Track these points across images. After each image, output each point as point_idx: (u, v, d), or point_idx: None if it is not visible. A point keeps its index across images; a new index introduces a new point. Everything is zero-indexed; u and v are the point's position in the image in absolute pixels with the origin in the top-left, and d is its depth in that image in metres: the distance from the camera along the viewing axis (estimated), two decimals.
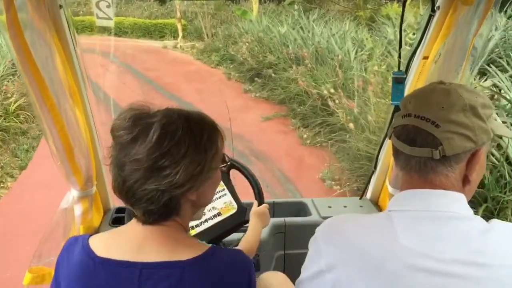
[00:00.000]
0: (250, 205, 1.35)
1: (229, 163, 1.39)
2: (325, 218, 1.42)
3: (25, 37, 1.03)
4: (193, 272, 0.76)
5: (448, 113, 0.75)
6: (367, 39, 6.46)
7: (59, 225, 1.34)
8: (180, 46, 13.43)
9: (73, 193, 1.34)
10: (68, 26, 1.19)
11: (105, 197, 1.53)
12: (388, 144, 1.61)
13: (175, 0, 13.85)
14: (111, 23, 1.24)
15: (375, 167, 1.73)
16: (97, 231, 1.49)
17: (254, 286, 0.83)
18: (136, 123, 0.76)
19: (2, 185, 4.15)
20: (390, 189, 1.58)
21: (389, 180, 1.60)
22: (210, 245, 0.82)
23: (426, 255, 0.71)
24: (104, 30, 15.00)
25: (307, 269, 0.82)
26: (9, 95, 6.04)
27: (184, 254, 0.77)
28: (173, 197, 0.77)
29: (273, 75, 6.86)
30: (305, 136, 5.15)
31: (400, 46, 1.44)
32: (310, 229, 0.84)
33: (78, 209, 1.36)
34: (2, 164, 4.58)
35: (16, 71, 6.24)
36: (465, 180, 0.79)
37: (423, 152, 0.76)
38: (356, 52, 5.98)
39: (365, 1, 9.81)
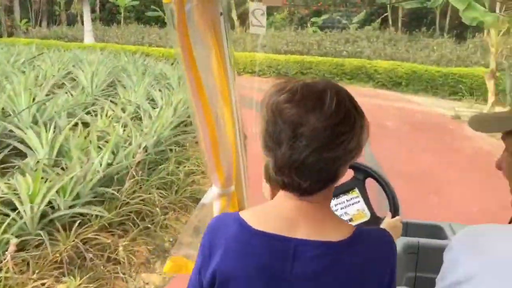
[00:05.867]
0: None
1: (365, 171, 1.75)
2: None
3: (189, 36, 1.61)
4: (344, 254, 1.04)
5: None
6: None
7: (200, 219, 1.85)
8: None
9: (214, 189, 1.85)
10: (225, 30, 1.75)
11: (241, 198, 1.97)
12: None
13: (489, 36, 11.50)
14: (263, 31, 1.73)
15: None
16: None
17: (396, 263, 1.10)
18: (308, 94, 1.03)
19: None
20: None
21: None
22: (354, 226, 1.10)
23: None
24: (370, 80, 15.24)
25: (442, 280, 1.02)
26: None
27: (335, 235, 1.05)
28: (342, 164, 1.05)
29: None
30: None
31: None
32: None
33: (216, 206, 1.85)
34: None
35: None
36: None
37: None
38: None
39: None
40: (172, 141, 6.90)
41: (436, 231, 2.23)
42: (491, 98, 11.24)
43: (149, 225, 4.80)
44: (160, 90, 9.41)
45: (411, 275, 2.14)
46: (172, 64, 13.32)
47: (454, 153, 8.16)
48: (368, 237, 1.08)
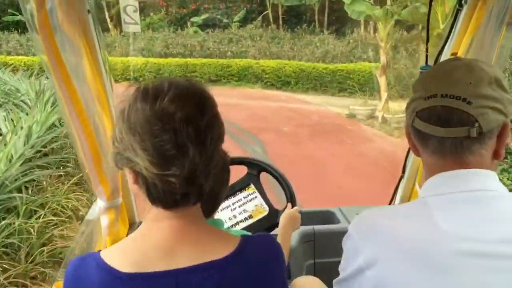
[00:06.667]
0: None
1: (258, 165, 1.83)
2: None
3: (55, 39, 1.52)
4: (230, 271, 1.00)
5: (477, 88, 0.98)
6: None
7: (86, 237, 1.77)
8: (383, 116, 10.62)
9: (100, 203, 1.79)
10: (96, 31, 1.69)
11: (130, 209, 1.94)
12: None
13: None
14: (137, 28, 1.71)
15: (404, 172, 2.21)
16: None
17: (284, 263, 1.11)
18: (183, 91, 0.98)
19: None
20: (420, 192, 1.77)
21: (419, 183, 1.92)
22: (239, 235, 1.08)
23: (471, 238, 0.92)
24: (259, 80, 15.26)
25: (344, 269, 1.07)
26: None
27: (218, 252, 1.00)
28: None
29: None
30: None
31: (428, 41, 1.92)
32: (340, 236, 1.10)
33: (104, 220, 1.79)
34: None
35: None
36: (495, 155, 1.01)
37: (460, 132, 0.98)
38: None
39: None
40: (22, 182, 5.21)
41: (328, 216, 2.43)
42: (383, 94, 10.95)
43: None
44: (7, 111, 7.50)
45: (310, 263, 2.28)
46: (29, 76, 11.14)
47: (357, 157, 8.31)
48: (252, 244, 1.06)
